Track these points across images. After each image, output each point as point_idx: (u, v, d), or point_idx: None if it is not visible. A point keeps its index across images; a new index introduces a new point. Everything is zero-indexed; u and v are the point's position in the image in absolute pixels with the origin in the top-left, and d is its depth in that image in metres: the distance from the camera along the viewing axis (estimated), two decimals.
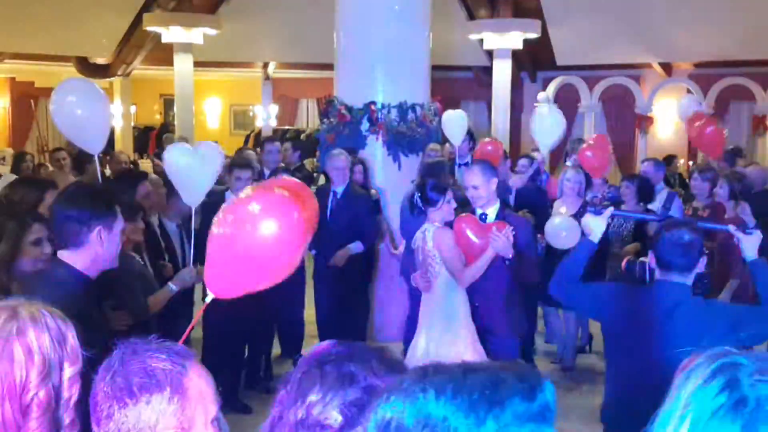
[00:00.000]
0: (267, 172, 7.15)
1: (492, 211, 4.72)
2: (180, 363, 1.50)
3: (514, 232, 4.32)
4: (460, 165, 7.50)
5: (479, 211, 4.74)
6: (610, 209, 3.54)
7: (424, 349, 4.50)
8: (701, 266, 3.16)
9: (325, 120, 7.93)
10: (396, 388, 1.11)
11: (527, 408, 1.08)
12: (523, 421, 1.07)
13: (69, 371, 1.70)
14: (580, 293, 3.45)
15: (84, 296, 2.66)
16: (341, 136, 7.53)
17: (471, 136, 8.29)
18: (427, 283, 4.57)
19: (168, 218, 5.16)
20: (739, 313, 3.26)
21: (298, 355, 6.49)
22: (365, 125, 7.48)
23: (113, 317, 4.05)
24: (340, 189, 6.54)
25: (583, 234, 3.64)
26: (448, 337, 4.44)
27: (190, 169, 4.55)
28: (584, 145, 7.98)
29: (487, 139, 8.09)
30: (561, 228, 5.72)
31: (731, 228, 3.42)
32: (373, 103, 7.52)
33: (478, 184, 4.66)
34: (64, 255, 2.71)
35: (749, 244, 3.24)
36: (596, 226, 3.42)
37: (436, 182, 4.55)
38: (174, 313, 4.37)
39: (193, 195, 4.63)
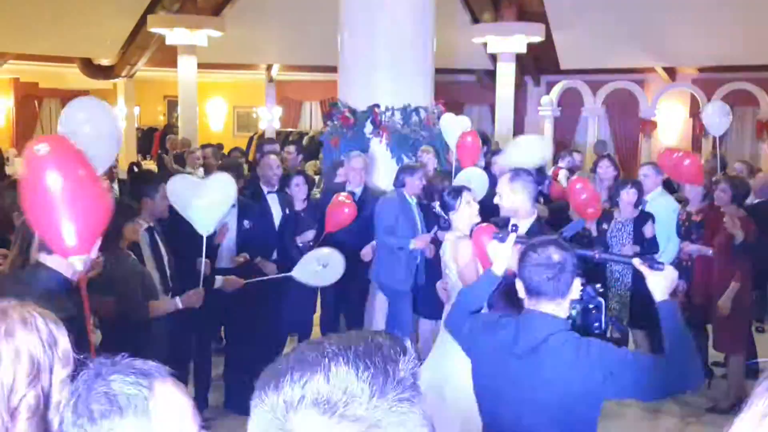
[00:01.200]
0: (266, 189, 6.42)
1: (525, 224, 4.17)
2: (146, 385, 1.41)
3: None
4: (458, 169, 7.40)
5: (513, 222, 4.18)
6: (513, 235, 3.10)
7: (433, 362, 4.55)
8: (576, 291, 2.65)
9: (328, 123, 7.93)
10: (299, 362, 1.08)
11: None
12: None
13: (60, 374, 1.69)
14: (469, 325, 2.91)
15: (66, 299, 2.68)
16: (345, 139, 7.53)
17: (485, 140, 8.19)
18: (444, 293, 4.53)
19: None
20: (628, 360, 2.58)
21: None
22: (369, 128, 7.47)
23: (100, 306, 4.09)
24: (357, 190, 6.63)
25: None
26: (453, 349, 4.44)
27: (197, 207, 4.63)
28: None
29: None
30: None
31: (636, 262, 2.80)
32: (377, 105, 7.52)
33: (501, 193, 4.33)
34: (47, 259, 2.73)
35: (656, 282, 2.66)
36: (500, 254, 3.01)
37: (451, 187, 4.47)
38: None
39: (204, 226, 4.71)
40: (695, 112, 15.51)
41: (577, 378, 2.52)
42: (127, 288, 4.05)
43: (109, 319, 4.21)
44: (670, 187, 8.07)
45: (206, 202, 4.59)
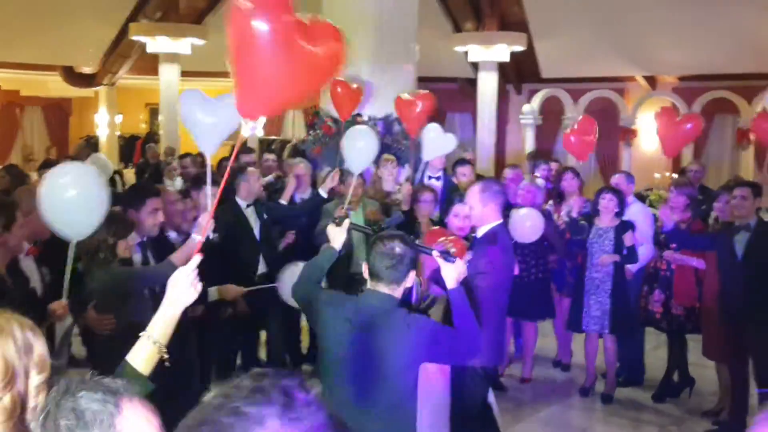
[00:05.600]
0: (243, 203, 6.16)
1: (484, 229, 4.53)
2: (113, 402, 1.44)
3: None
4: (431, 177, 7.39)
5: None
6: (347, 221, 3.59)
7: None
8: (410, 281, 3.15)
9: (311, 132, 7.95)
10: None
11: None
12: None
13: (36, 379, 1.76)
14: (312, 295, 3.38)
15: None
16: (327, 148, 7.56)
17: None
18: None
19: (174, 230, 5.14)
20: (440, 331, 3.16)
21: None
22: None
23: (97, 321, 4.06)
24: (305, 195, 6.81)
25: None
26: None
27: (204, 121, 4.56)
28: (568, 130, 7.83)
29: None
30: (526, 218, 5.91)
31: (435, 253, 3.36)
32: (359, 115, 7.55)
33: (471, 204, 4.60)
34: None
35: (448, 272, 3.26)
36: (336, 234, 3.52)
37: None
38: None
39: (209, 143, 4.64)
40: None
41: (405, 345, 3.01)
42: (123, 305, 4.00)
43: (108, 336, 4.09)
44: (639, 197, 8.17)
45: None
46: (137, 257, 4.39)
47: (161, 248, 4.69)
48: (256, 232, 6.10)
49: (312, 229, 6.23)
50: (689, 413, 6.24)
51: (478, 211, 4.51)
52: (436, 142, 7.19)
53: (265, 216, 6.15)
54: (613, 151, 16.54)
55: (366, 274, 3.15)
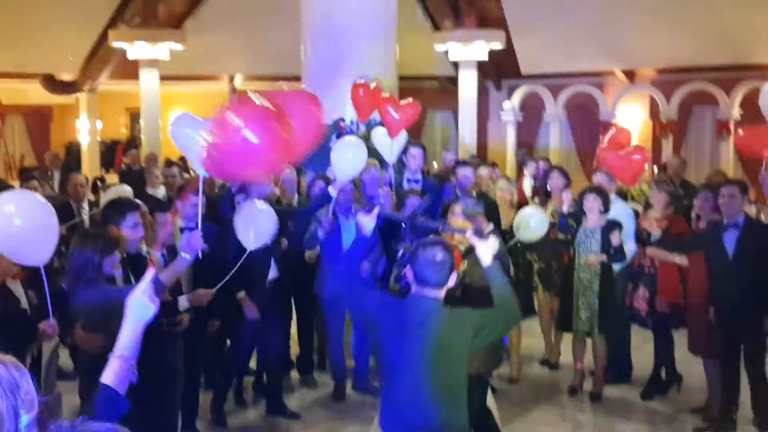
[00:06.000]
0: None
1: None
2: None
3: None
4: (410, 181, 7.36)
5: None
6: (377, 209, 4.06)
7: None
8: (452, 282, 3.42)
9: None
10: None
11: None
12: None
13: (25, 419, 1.72)
14: (360, 296, 3.72)
15: None
16: (310, 153, 7.54)
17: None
18: None
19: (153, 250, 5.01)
20: (483, 316, 3.47)
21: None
22: (334, 142, 7.49)
23: (84, 340, 4.04)
24: (292, 200, 6.90)
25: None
26: None
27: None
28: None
29: None
30: (530, 216, 6.06)
31: (468, 233, 3.75)
32: (342, 119, 7.56)
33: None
34: None
35: (484, 250, 3.55)
36: (367, 222, 3.91)
37: None
38: None
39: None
40: (655, 113, 15.77)
41: (456, 339, 3.32)
42: (110, 323, 3.97)
43: (92, 355, 4.08)
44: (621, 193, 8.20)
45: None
46: (118, 274, 4.33)
47: (138, 264, 4.62)
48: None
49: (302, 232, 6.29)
50: (678, 410, 6.29)
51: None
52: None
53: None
54: (593, 146, 16.61)
55: (410, 279, 3.42)
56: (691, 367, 6.58)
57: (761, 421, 5.59)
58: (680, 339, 6.52)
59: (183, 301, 4.90)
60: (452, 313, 3.41)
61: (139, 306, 2.39)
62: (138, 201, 4.94)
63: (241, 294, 5.69)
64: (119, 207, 4.53)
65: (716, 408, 5.99)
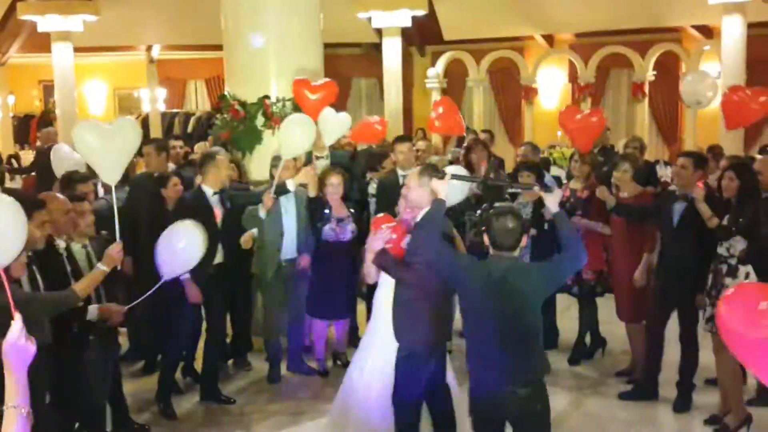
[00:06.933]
0: (209, 191, 6.03)
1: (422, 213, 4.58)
2: None
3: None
4: (318, 158, 7.11)
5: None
6: (449, 174, 4.28)
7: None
8: (525, 242, 3.94)
9: (218, 116, 7.80)
10: None
11: None
12: None
13: None
14: (447, 259, 4.08)
15: None
16: (236, 133, 7.45)
17: None
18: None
19: (75, 241, 4.83)
20: (551, 264, 4.09)
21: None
22: (260, 120, 7.41)
23: None
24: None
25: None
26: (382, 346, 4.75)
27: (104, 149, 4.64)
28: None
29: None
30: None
31: (536, 188, 4.47)
32: (267, 97, 7.44)
33: (409, 185, 4.68)
34: None
35: (551, 199, 4.07)
36: (440, 186, 4.17)
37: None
38: None
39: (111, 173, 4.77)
40: (574, 76, 16.08)
41: (533, 288, 3.85)
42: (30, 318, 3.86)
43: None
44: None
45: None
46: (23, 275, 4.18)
47: (49, 261, 4.51)
48: (219, 220, 5.95)
49: None
50: (604, 374, 6.55)
51: (414, 195, 4.53)
52: (334, 125, 7.14)
53: (228, 205, 6.05)
54: (516, 110, 16.90)
55: (487, 242, 3.90)
56: (613, 328, 6.83)
57: (684, 383, 5.86)
58: (601, 303, 6.77)
59: (92, 312, 4.66)
60: (526, 268, 4.12)
61: (17, 352, 2.29)
62: (44, 198, 4.70)
63: (186, 276, 5.50)
64: (25, 206, 4.36)
65: (640, 370, 6.27)
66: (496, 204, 5.12)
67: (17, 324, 2.30)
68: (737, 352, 2.23)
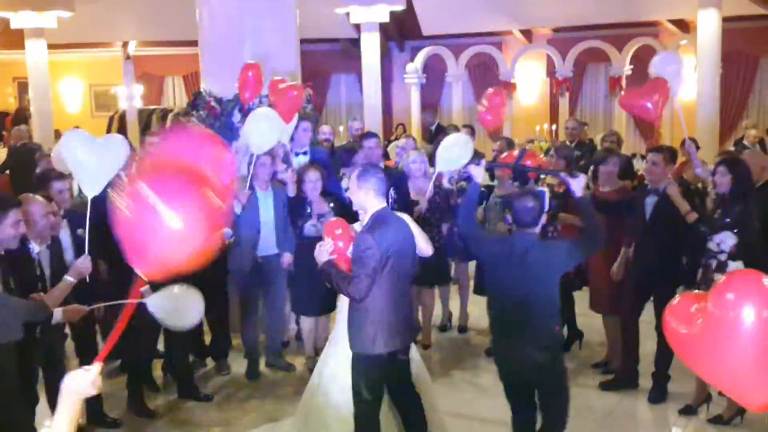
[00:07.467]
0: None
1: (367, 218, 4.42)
2: None
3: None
4: (297, 154, 7.22)
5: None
6: (484, 161, 4.89)
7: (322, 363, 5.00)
8: (543, 220, 4.39)
9: (194, 113, 7.75)
10: None
11: None
12: None
13: None
14: (476, 237, 4.69)
15: None
16: (213, 129, 7.38)
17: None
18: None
19: (37, 242, 4.76)
20: (570, 245, 4.45)
21: None
22: (237, 117, 7.35)
23: None
24: None
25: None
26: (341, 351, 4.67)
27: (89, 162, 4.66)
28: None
29: None
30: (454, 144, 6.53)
31: (562, 174, 4.88)
32: None
33: (350, 188, 4.63)
34: None
35: (576, 184, 4.42)
36: (477, 172, 4.72)
37: None
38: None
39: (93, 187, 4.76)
40: (552, 71, 16.14)
41: (552, 263, 4.27)
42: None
43: None
44: None
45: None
46: None
47: (20, 262, 4.46)
48: None
49: None
50: (582, 365, 6.61)
51: (356, 197, 4.41)
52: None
53: None
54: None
55: (510, 222, 4.49)
56: (590, 322, 6.88)
57: (660, 374, 5.91)
58: (577, 296, 6.86)
59: (57, 315, 4.54)
60: (547, 244, 4.52)
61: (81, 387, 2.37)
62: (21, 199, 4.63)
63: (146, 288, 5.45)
64: (1, 203, 4.31)
65: (616, 361, 6.31)
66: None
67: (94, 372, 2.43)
68: (678, 351, 2.44)
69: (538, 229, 4.35)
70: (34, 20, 13.61)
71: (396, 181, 6.75)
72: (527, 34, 16.54)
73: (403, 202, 6.55)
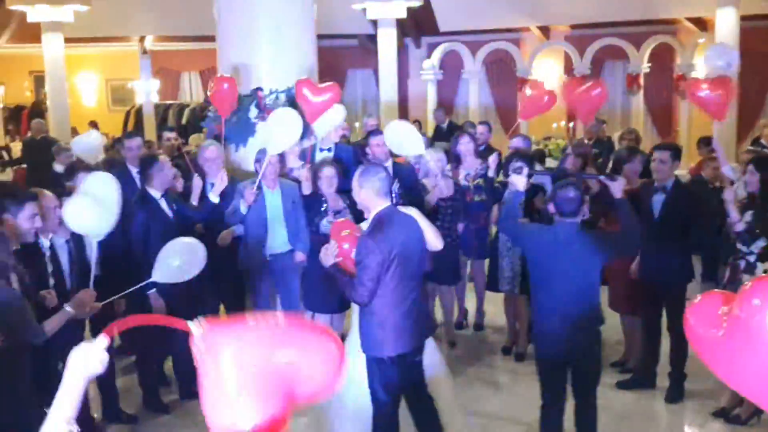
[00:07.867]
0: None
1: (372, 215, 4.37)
2: None
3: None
4: (322, 150, 7.16)
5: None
6: (526, 169, 5.07)
7: None
8: (585, 211, 4.56)
9: (211, 108, 7.73)
10: None
11: None
12: None
13: None
14: (519, 231, 4.90)
15: None
16: (229, 124, 7.38)
17: None
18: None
19: (58, 235, 4.74)
20: (611, 237, 4.71)
21: None
22: (254, 112, 7.34)
23: None
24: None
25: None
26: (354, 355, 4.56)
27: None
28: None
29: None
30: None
31: (601, 178, 5.05)
32: (260, 89, 7.38)
33: (353, 186, 4.48)
34: None
35: (616, 187, 4.63)
36: (519, 181, 4.93)
37: None
38: None
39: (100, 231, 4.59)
40: (569, 68, 16.04)
41: (593, 252, 4.41)
42: (13, 319, 3.77)
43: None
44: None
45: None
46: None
47: (32, 257, 4.42)
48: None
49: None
50: None
51: (358, 197, 4.37)
52: (326, 117, 7.05)
53: (174, 207, 5.84)
54: (511, 103, 16.83)
55: (553, 212, 4.47)
56: (608, 321, 6.79)
57: (676, 373, 5.87)
58: None
59: (66, 309, 4.42)
60: (589, 234, 4.59)
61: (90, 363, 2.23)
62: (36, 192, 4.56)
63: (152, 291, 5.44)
64: (17, 196, 4.29)
65: (634, 361, 6.25)
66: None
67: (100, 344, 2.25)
68: (700, 353, 2.38)
69: (578, 218, 4.48)
70: (51, 14, 13.67)
71: (404, 174, 6.74)
72: (545, 30, 16.44)
73: (408, 196, 6.48)
